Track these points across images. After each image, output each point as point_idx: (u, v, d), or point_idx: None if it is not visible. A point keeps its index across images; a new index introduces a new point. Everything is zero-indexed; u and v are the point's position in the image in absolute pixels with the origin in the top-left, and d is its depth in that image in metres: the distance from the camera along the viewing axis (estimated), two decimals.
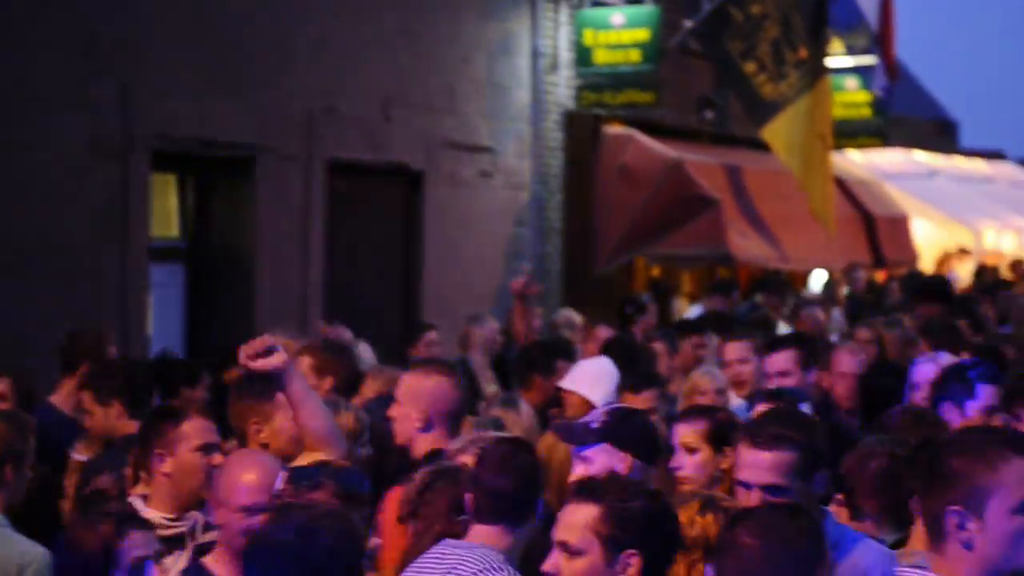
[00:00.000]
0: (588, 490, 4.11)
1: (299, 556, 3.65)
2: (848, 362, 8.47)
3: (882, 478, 4.91)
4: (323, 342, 7.75)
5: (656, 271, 18.44)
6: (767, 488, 4.35)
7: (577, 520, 4.03)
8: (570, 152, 16.52)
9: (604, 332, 10.32)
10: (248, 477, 4.70)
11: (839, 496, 5.01)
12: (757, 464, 4.37)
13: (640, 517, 4.01)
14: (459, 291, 14.64)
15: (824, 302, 15.73)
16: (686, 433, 5.53)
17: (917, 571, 3.42)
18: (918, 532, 4.53)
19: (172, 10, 11.73)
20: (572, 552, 4.02)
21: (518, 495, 4.62)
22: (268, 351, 5.21)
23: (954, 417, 6.12)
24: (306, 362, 7.48)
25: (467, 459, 5.12)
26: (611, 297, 15.64)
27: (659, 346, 9.74)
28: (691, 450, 5.49)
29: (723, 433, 5.47)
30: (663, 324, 16.23)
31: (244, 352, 5.23)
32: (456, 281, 14.71)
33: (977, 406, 6.30)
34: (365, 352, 9.22)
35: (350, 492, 4.56)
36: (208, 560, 4.72)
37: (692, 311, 14.73)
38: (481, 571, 4.45)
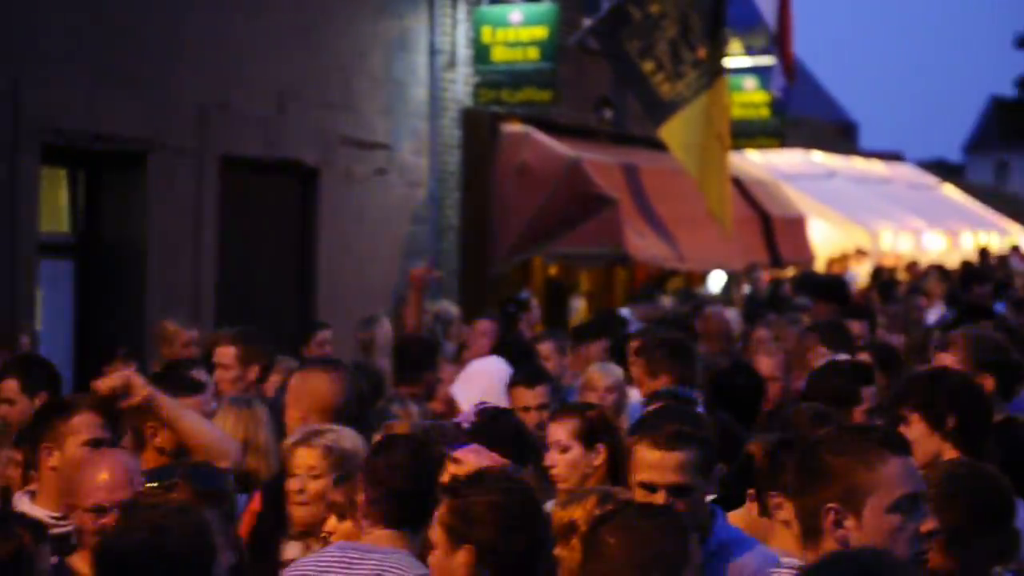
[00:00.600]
0: (449, 486, 4.23)
1: (149, 554, 3.66)
2: (767, 364, 8.59)
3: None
4: (245, 331, 7.78)
5: (553, 270, 18.61)
6: (673, 488, 4.39)
7: (437, 515, 4.14)
8: (468, 150, 16.64)
9: (485, 325, 10.34)
10: (99, 476, 4.66)
11: (751, 492, 5.05)
12: (663, 465, 4.40)
13: (478, 511, 4.04)
14: (354, 289, 14.70)
15: (722, 302, 15.95)
16: (557, 431, 5.62)
17: (791, 572, 3.57)
18: (778, 532, 4.66)
19: (62, 2, 11.70)
20: (431, 545, 4.14)
21: (425, 497, 4.60)
22: (126, 386, 5.23)
23: (840, 418, 6.11)
24: (230, 352, 7.50)
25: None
26: (508, 295, 15.78)
27: (548, 346, 9.79)
28: (563, 448, 5.57)
29: (594, 431, 5.58)
30: (559, 323, 16.42)
31: (101, 390, 5.27)
32: (351, 279, 14.77)
33: (862, 408, 6.44)
34: None
35: (207, 490, 4.54)
36: (74, 558, 4.69)
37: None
38: None
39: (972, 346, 6.09)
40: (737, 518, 4.89)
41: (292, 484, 5.27)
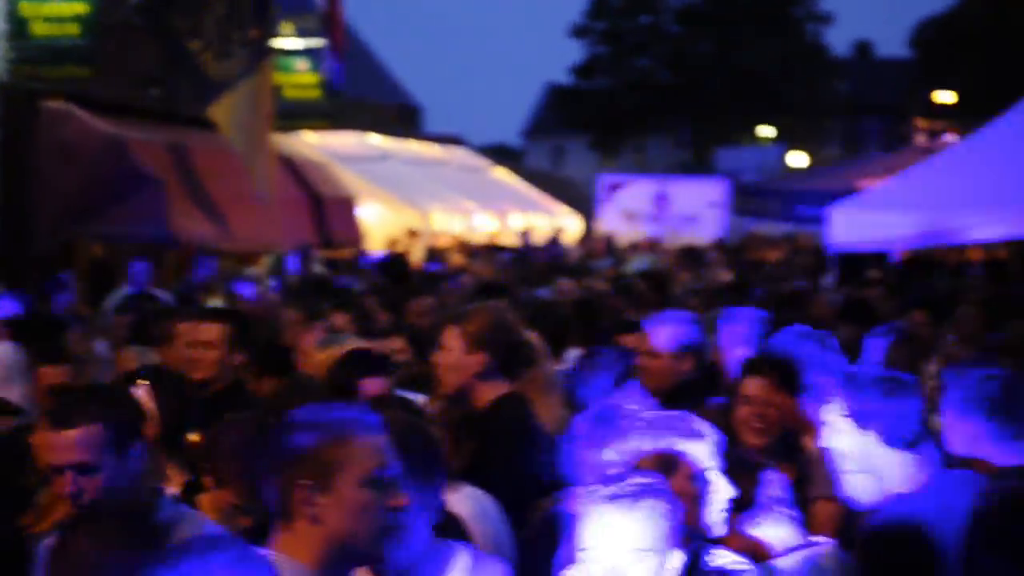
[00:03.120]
0: None
1: None
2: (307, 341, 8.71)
3: (243, 446, 4.95)
4: None
5: (98, 250, 18.35)
6: (77, 467, 4.32)
7: None
8: (7, 127, 16.21)
9: None
10: None
11: (207, 464, 5.10)
12: (62, 445, 4.33)
13: None
14: None
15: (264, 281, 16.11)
16: None
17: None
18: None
19: None
20: None
21: None
22: None
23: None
24: None
25: None
26: (52, 276, 15.50)
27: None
28: None
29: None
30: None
31: None
32: None
33: (373, 387, 6.68)
34: None
35: None
36: None
37: None
38: None
39: (475, 322, 6.39)
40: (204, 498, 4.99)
41: None
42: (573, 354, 8.79)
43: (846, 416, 5.09)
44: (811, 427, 5.79)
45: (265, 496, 3.48)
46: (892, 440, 5.03)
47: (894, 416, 5.02)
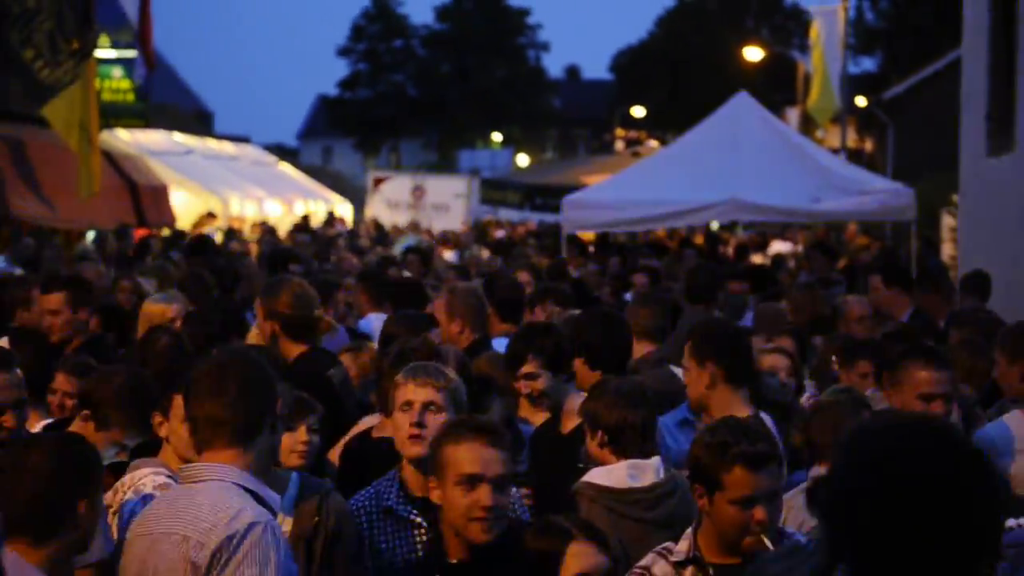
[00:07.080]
0: None
1: None
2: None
3: (124, 392, 4.78)
4: None
5: None
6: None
7: None
8: None
9: None
10: None
11: (85, 412, 4.82)
12: None
13: None
14: None
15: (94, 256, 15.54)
16: None
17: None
18: (167, 448, 4.51)
19: None
20: None
21: None
22: None
23: None
24: None
25: None
26: None
27: None
28: None
29: None
30: None
31: None
32: None
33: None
34: None
35: None
36: None
37: None
38: None
39: (271, 297, 6.28)
40: None
41: None
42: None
43: None
44: None
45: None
46: None
47: None
